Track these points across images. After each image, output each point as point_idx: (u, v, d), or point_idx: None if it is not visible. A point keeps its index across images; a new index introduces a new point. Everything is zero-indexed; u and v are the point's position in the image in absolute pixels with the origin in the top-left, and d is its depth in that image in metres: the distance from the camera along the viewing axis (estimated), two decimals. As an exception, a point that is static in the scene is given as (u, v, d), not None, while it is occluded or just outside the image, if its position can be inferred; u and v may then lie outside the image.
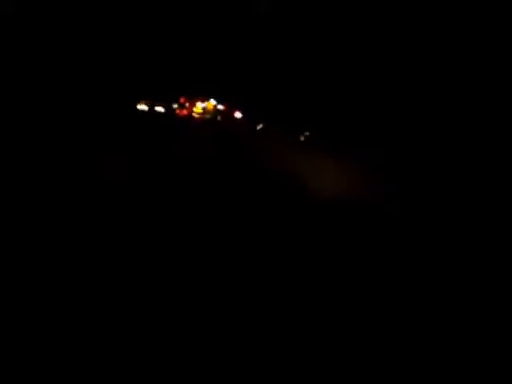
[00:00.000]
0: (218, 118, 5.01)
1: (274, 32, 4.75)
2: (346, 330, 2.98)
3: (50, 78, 4.80)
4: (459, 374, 2.73)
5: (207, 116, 5.01)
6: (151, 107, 4.97)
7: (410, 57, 4.48)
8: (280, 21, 4.73)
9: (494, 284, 3.38)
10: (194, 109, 5.01)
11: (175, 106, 5.01)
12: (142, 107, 4.96)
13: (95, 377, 2.57)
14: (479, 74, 4.30)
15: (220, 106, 5.02)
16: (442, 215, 3.99)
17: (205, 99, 5.02)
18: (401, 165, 4.31)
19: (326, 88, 4.66)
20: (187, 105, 5.01)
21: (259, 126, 4.92)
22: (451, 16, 4.36)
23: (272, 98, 4.78)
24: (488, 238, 3.74)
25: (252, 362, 2.73)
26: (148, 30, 4.87)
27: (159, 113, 4.98)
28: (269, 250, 3.65)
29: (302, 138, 4.86)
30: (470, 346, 2.90)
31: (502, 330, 2.99)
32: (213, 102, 5.02)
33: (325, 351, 2.82)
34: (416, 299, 3.26)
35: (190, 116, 5.00)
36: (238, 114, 5.01)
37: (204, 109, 5.01)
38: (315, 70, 4.71)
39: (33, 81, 4.77)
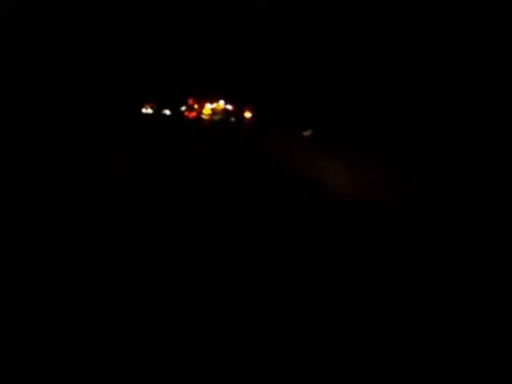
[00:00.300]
0: (232, 119, 4.79)
1: (274, 32, 4.64)
2: (346, 330, 2.93)
3: (50, 79, 4.72)
4: (459, 374, 2.67)
5: (216, 117, 4.78)
6: (157, 110, 4.76)
7: (410, 57, 4.40)
8: (280, 21, 4.63)
9: (494, 284, 3.33)
10: (203, 110, 4.80)
11: (183, 108, 4.80)
12: (147, 110, 4.76)
13: (95, 377, 2.54)
14: (479, 74, 4.23)
15: (229, 107, 4.80)
16: (442, 215, 3.93)
17: (214, 100, 4.79)
18: (401, 165, 4.26)
19: (326, 88, 4.56)
20: (196, 106, 4.79)
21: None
22: (451, 16, 4.28)
23: (273, 97, 4.66)
24: (488, 238, 3.69)
25: (252, 362, 2.68)
26: (151, 30, 4.73)
27: (165, 115, 4.78)
28: (269, 249, 3.60)
29: (307, 135, 4.68)
30: (470, 345, 2.83)
31: (502, 330, 2.93)
32: (222, 102, 4.79)
33: (326, 352, 2.77)
34: (416, 299, 3.20)
35: (199, 118, 4.79)
36: (247, 114, 4.78)
37: (213, 110, 4.79)
38: (316, 70, 4.60)
39: (33, 81, 4.70)
